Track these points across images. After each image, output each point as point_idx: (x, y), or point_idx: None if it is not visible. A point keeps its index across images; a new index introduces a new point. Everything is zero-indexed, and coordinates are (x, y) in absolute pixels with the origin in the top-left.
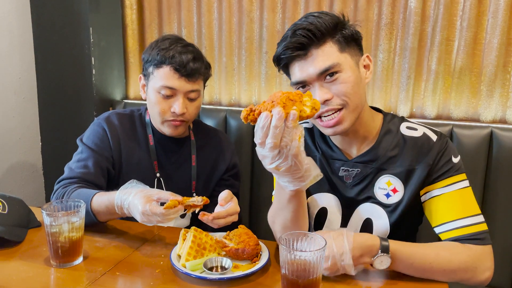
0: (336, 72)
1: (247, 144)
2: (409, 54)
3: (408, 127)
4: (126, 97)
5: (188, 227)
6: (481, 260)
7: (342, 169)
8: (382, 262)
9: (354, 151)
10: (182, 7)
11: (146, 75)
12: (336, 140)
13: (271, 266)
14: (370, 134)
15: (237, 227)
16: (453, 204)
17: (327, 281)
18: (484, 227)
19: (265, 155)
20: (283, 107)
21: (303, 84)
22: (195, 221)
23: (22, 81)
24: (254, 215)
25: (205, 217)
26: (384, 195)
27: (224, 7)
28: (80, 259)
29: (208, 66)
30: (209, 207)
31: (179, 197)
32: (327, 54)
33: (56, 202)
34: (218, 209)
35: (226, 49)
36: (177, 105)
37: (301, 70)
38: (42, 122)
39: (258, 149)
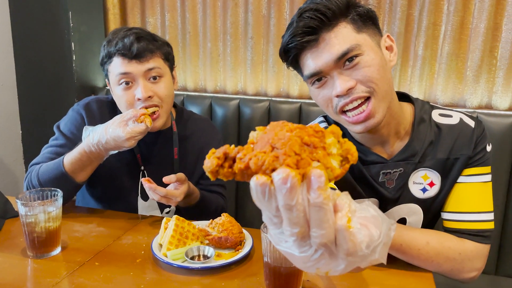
0: (357, 56)
1: (233, 132)
2: (395, 39)
3: (441, 114)
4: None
5: None
6: (471, 260)
7: (383, 173)
8: None
9: (389, 149)
10: None
11: (107, 76)
12: (363, 140)
13: (254, 254)
14: (402, 126)
15: (220, 215)
16: (469, 197)
17: None
18: (490, 225)
19: (289, 251)
20: (296, 164)
21: (318, 77)
22: (178, 211)
23: (0, 67)
24: (240, 203)
25: (146, 182)
26: (420, 190)
27: None
28: (58, 250)
29: (162, 43)
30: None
31: (141, 110)
32: (342, 36)
33: (32, 191)
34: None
35: (211, 34)
36: (139, 90)
37: (314, 59)
38: (22, 109)
39: (272, 236)
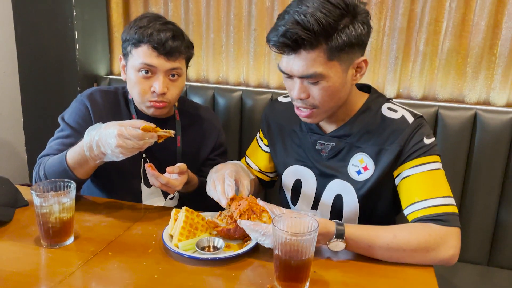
0: (319, 80)
1: (235, 123)
2: (397, 34)
3: (389, 108)
4: (111, 73)
5: (177, 207)
6: (444, 239)
7: (319, 143)
8: (337, 246)
9: (332, 127)
10: None
11: (125, 55)
12: None
13: (262, 246)
14: (349, 113)
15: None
16: (422, 185)
17: (317, 261)
18: (452, 209)
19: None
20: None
21: (288, 75)
22: (184, 202)
23: (2, 54)
24: None
25: (149, 168)
26: (356, 172)
27: None
28: (71, 239)
29: (190, 45)
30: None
31: (152, 124)
32: (313, 61)
33: (45, 182)
34: (167, 175)
35: (214, 25)
36: (158, 84)
37: (288, 63)
38: (24, 97)
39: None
